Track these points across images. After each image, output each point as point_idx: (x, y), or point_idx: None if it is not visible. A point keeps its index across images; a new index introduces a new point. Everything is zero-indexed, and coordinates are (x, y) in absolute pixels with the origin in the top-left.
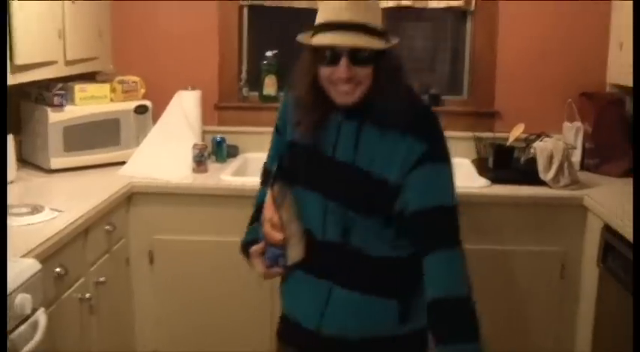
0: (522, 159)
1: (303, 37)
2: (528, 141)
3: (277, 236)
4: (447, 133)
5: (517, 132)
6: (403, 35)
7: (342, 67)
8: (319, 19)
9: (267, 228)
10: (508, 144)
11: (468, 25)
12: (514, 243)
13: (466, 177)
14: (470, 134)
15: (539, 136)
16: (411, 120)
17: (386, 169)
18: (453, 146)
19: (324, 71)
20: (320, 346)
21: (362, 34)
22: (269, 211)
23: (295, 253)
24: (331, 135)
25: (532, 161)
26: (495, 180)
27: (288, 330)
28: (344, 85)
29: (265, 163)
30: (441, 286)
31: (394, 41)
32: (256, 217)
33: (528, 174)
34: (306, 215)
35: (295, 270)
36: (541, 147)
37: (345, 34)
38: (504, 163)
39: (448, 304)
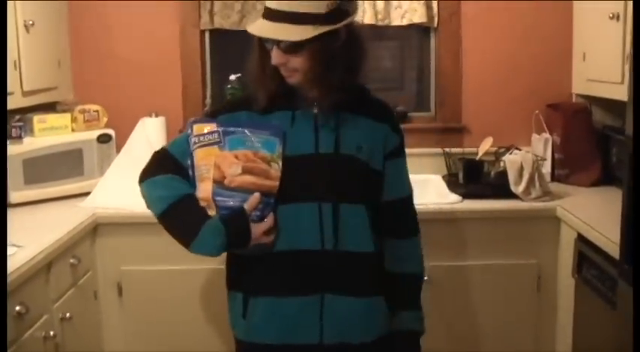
0: (493, 173)
1: (249, 25)
2: (498, 155)
3: (270, 183)
4: (417, 150)
5: (486, 145)
6: (371, 55)
7: (274, 54)
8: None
9: (249, 179)
10: (477, 158)
11: (432, 42)
12: (489, 258)
13: (437, 194)
14: (439, 150)
15: (508, 149)
16: (381, 109)
17: (370, 155)
18: (422, 162)
19: (271, 54)
20: None
21: (289, 23)
22: (232, 165)
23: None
24: (308, 132)
25: (502, 174)
26: (467, 195)
27: None
28: (282, 70)
29: (166, 150)
30: (413, 264)
31: (339, 23)
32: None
33: (499, 188)
34: (301, 229)
35: (269, 297)
36: (511, 160)
37: (271, 24)
38: (475, 178)
39: (414, 279)
